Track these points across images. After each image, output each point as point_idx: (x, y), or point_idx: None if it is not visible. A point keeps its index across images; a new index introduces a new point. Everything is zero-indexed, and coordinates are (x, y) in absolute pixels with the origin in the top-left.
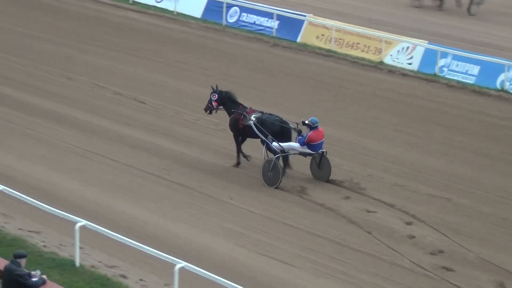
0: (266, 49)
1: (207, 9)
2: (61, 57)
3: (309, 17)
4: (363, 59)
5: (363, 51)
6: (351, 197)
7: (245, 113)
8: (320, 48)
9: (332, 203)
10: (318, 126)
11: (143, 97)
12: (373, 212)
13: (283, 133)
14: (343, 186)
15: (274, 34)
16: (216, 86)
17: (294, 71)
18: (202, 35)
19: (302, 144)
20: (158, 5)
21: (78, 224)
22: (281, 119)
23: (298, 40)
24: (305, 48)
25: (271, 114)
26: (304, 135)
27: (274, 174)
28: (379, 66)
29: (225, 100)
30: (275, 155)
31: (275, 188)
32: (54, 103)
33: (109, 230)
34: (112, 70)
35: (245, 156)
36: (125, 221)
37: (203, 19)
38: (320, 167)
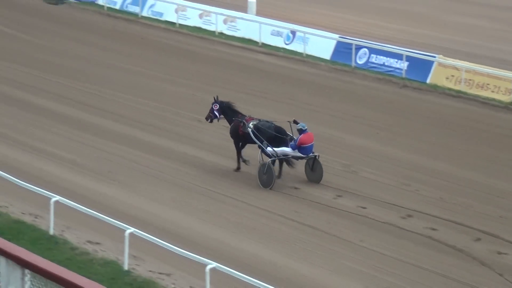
0: (395, 90)
1: (336, 51)
2: (192, 100)
3: (439, 58)
4: (493, 99)
5: (493, 91)
6: (482, 239)
7: (244, 121)
8: (450, 89)
9: (463, 244)
10: (307, 130)
11: None
12: (505, 254)
13: (277, 138)
14: (474, 227)
15: (403, 75)
16: (217, 96)
17: (424, 113)
18: (332, 77)
19: (294, 148)
20: (287, 47)
21: (209, 266)
22: (275, 125)
23: (428, 81)
24: (434, 89)
25: (267, 121)
26: (295, 139)
27: (268, 177)
28: (510, 107)
29: (226, 110)
30: (269, 159)
31: (270, 189)
32: (185, 145)
33: (240, 272)
34: (243, 113)
35: (244, 161)
36: (256, 263)
37: (332, 61)
38: (313, 170)
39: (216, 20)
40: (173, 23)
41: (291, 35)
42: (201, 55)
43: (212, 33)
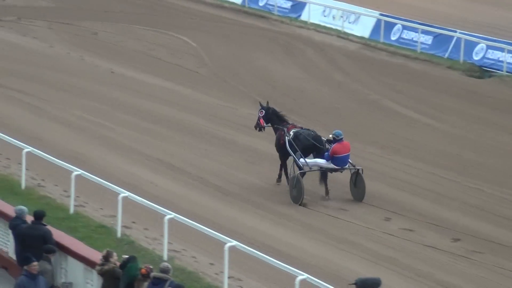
0: None
1: None
2: None
3: None
4: None
5: None
6: None
7: (285, 129)
8: None
9: None
10: (343, 139)
11: None
12: None
13: (315, 147)
14: None
15: None
16: (267, 102)
17: None
18: None
19: (327, 158)
20: None
21: None
22: (316, 133)
23: None
24: None
25: (308, 129)
26: (328, 149)
27: (297, 191)
28: None
29: (272, 117)
30: (299, 171)
31: (299, 205)
32: None
33: None
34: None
35: (282, 177)
36: None
37: None
38: (356, 186)
39: None
40: None
41: None
42: None
43: None
